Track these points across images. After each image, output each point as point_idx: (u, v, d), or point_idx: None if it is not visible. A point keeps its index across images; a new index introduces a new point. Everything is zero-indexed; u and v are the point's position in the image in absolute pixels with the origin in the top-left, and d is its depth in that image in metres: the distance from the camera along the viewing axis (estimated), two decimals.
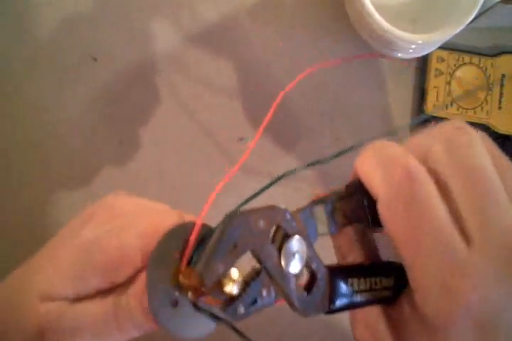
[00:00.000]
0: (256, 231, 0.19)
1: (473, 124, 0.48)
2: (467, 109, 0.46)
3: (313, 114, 0.46)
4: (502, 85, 0.47)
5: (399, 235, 0.19)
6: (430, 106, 0.45)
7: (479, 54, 0.47)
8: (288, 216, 0.20)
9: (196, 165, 0.44)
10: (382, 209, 0.20)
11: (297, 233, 0.20)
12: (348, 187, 0.23)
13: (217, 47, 0.45)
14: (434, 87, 0.46)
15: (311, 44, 0.46)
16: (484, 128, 0.46)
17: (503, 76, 0.47)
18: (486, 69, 0.46)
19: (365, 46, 0.45)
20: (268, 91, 0.46)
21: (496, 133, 0.46)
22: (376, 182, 0.20)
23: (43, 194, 0.43)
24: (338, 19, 0.46)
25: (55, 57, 0.44)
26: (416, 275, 0.19)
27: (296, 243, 0.20)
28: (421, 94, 0.46)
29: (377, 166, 0.21)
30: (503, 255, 0.18)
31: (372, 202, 0.21)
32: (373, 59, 0.47)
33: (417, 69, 0.47)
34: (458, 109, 0.46)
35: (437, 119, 0.46)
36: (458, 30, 0.39)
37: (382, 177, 0.20)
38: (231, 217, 0.19)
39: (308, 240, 0.20)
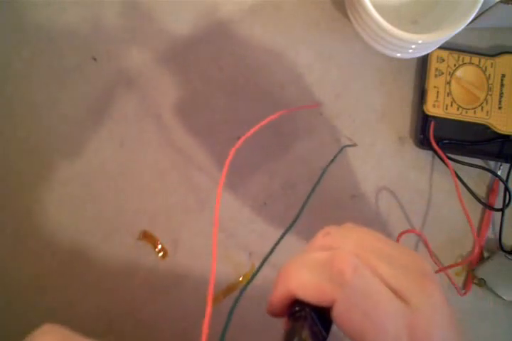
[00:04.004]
0: None
1: (473, 124, 0.48)
2: (467, 109, 0.46)
3: (312, 114, 0.46)
4: (502, 85, 0.47)
5: (359, 330, 0.21)
6: (430, 106, 0.45)
7: (479, 54, 0.47)
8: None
9: (196, 165, 0.44)
10: (340, 310, 0.21)
11: None
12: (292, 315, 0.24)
13: (217, 47, 0.45)
14: (434, 87, 0.46)
15: (311, 44, 0.46)
16: (484, 128, 0.47)
17: (503, 76, 0.47)
18: (486, 69, 0.46)
19: (365, 46, 0.45)
20: (268, 91, 0.46)
21: (496, 133, 0.46)
22: (327, 289, 0.22)
23: (43, 194, 0.43)
24: (338, 19, 0.46)
25: (55, 58, 0.44)
26: None
27: None
28: (421, 94, 0.46)
29: (317, 276, 0.22)
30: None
31: (318, 316, 0.22)
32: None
33: (417, 69, 0.48)
34: (458, 109, 0.46)
35: (437, 119, 0.46)
36: (458, 30, 0.39)
37: (330, 280, 0.22)
38: None
39: None
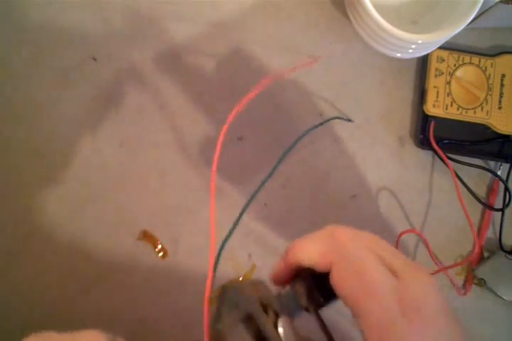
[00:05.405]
0: (246, 298, 0.25)
1: (473, 124, 0.48)
2: (467, 109, 0.46)
3: (312, 115, 0.46)
4: (502, 85, 0.47)
5: (352, 293, 0.22)
6: (430, 106, 0.45)
7: (479, 54, 0.47)
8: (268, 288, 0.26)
9: (197, 165, 0.44)
10: (335, 273, 0.23)
11: (281, 309, 0.25)
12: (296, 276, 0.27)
13: (217, 48, 0.45)
14: (434, 87, 0.46)
15: (311, 44, 0.46)
16: (484, 128, 0.46)
17: (503, 76, 0.47)
18: (486, 69, 0.46)
19: (365, 46, 0.45)
20: (268, 91, 0.46)
21: (496, 133, 0.46)
22: (325, 252, 0.24)
23: (43, 194, 0.43)
24: (338, 19, 0.46)
25: (55, 58, 0.44)
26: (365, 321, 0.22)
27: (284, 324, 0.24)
28: (421, 94, 0.46)
29: (319, 244, 0.25)
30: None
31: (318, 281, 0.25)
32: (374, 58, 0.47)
33: (417, 69, 0.48)
34: (458, 109, 0.46)
35: (437, 119, 0.46)
36: (458, 30, 0.39)
37: (329, 246, 0.24)
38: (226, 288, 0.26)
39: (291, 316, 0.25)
